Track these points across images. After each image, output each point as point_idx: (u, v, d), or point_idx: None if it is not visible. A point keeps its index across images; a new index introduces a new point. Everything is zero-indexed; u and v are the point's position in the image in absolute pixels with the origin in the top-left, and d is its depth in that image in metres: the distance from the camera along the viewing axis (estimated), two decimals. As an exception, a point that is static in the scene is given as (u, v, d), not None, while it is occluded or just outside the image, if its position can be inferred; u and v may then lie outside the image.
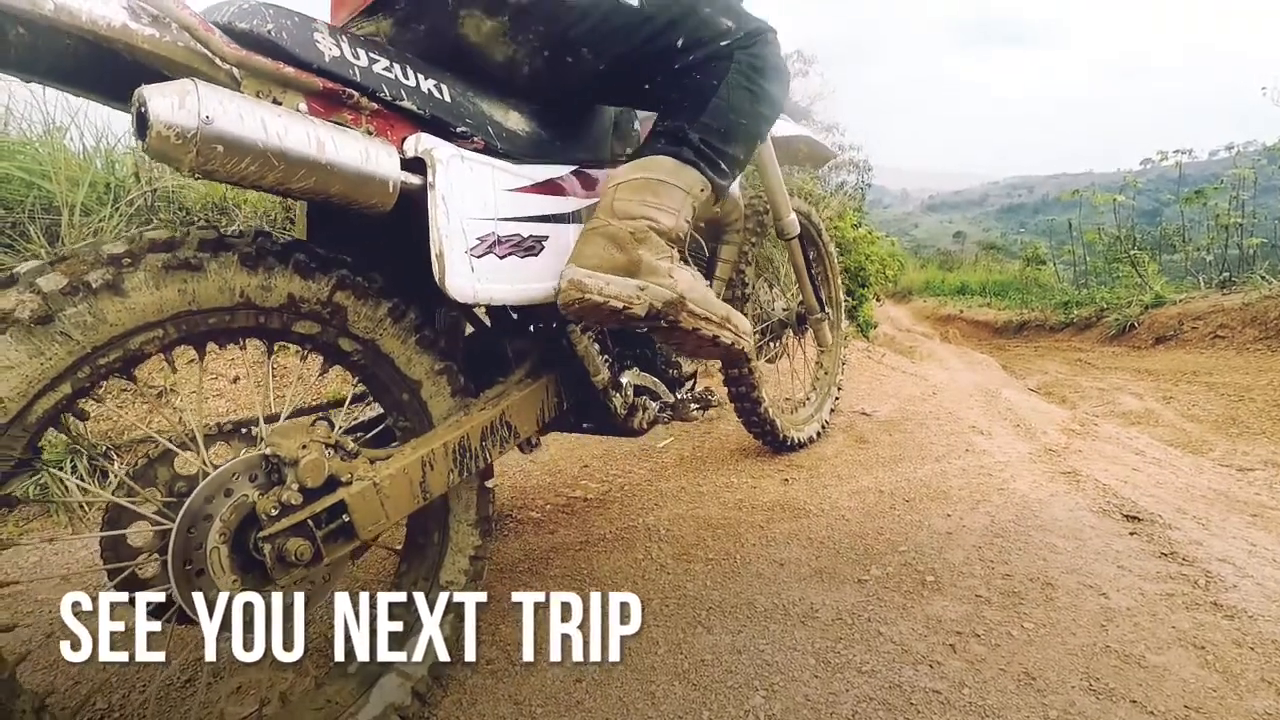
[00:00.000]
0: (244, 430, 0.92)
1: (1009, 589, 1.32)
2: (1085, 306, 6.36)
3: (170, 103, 0.65)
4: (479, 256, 0.91)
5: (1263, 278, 5.02)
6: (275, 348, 0.95)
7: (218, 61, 0.72)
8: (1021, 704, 1.03)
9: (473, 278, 0.89)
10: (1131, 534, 1.54)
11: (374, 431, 1.08)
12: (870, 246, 4.77)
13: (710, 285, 1.25)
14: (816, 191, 5.46)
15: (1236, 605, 1.24)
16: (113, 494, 0.84)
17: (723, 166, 1.09)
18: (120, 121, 2.92)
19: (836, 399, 2.32)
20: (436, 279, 0.86)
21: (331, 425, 0.99)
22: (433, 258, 0.86)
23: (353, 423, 1.15)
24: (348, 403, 1.06)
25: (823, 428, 2.19)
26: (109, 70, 0.72)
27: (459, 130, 0.94)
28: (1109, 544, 1.49)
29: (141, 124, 0.65)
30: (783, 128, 1.77)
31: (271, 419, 0.95)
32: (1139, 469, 2.06)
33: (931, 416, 2.49)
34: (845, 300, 2.54)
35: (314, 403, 1.17)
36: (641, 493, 1.78)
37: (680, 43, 1.07)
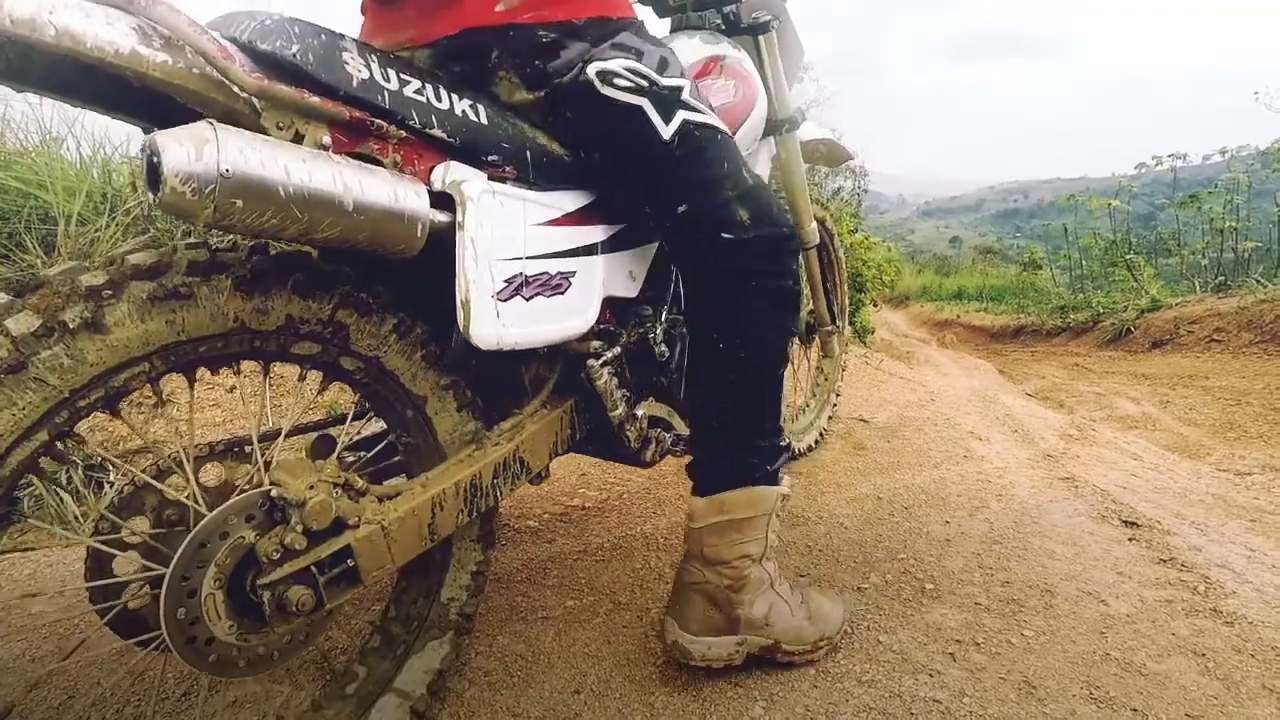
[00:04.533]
0: (237, 449, 0.88)
1: (1008, 596, 1.32)
2: (1081, 311, 6.38)
3: (186, 153, 0.60)
4: (505, 300, 0.86)
5: (1258, 281, 5.04)
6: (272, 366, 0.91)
7: (236, 89, 0.67)
8: (1022, 713, 1.02)
9: (498, 324, 0.85)
10: (1130, 540, 1.54)
11: (376, 449, 1.06)
12: (867, 252, 4.79)
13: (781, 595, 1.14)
14: (814, 197, 5.47)
15: (1236, 611, 1.24)
16: (93, 536, 0.79)
17: (783, 444, 1.10)
18: (118, 130, 2.93)
19: (835, 405, 2.31)
20: (460, 327, 0.82)
21: (334, 442, 0.97)
22: (458, 305, 0.82)
23: (354, 438, 1.12)
24: (350, 419, 1.02)
25: (821, 435, 2.19)
26: (114, 85, 0.67)
27: (490, 159, 0.89)
28: (1108, 550, 1.49)
29: (153, 176, 0.60)
30: (808, 130, 1.71)
31: (267, 436, 0.92)
32: (1137, 474, 2.06)
33: (929, 422, 2.50)
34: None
35: (313, 418, 1.14)
36: (640, 501, 1.77)
37: (683, 209, 0.97)
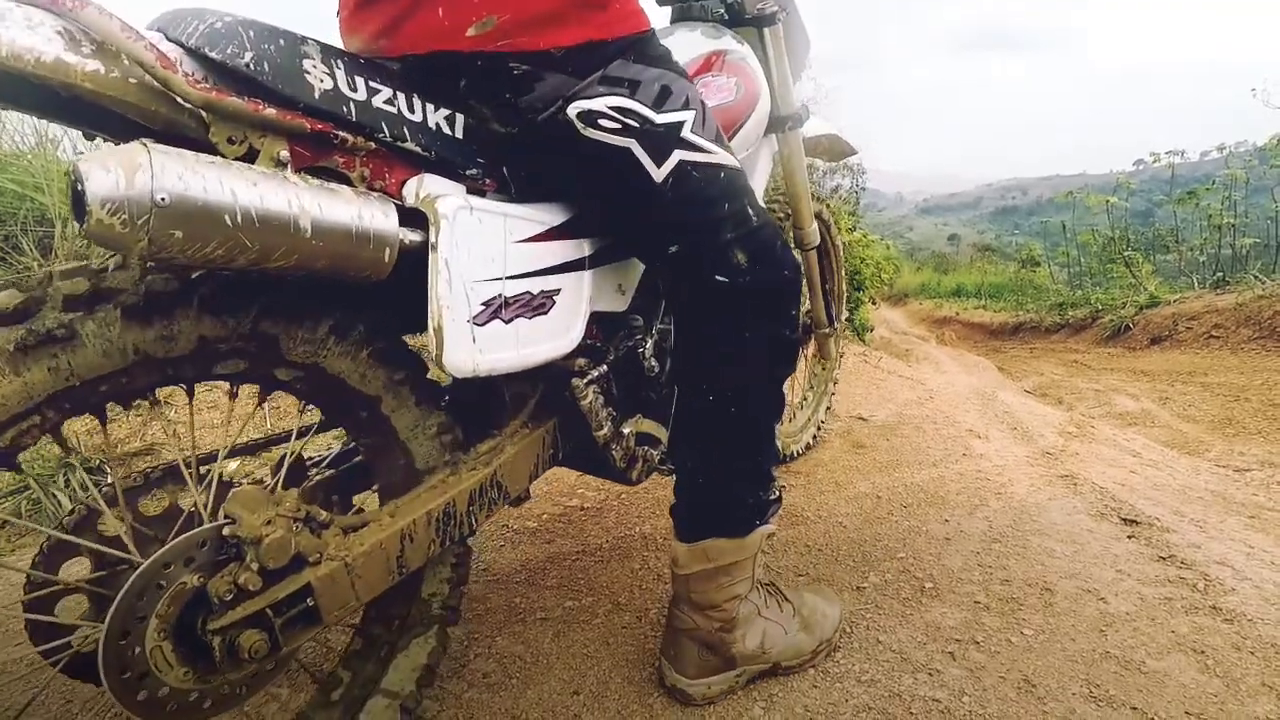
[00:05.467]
0: (176, 473, 0.81)
1: (1008, 595, 1.32)
2: (1080, 308, 6.37)
3: (115, 180, 0.53)
4: (482, 324, 0.80)
5: (1256, 277, 5.04)
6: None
7: (180, 100, 0.61)
8: (1022, 712, 1.02)
9: (474, 349, 0.79)
10: (1129, 537, 1.54)
11: (330, 457, 1.00)
12: (866, 250, 4.78)
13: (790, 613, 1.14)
14: (820, 195, 5.47)
15: (1235, 609, 1.24)
16: (27, 589, 0.75)
17: (773, 497, 1.06)
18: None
19: (833, 394, 2.27)
20: (433, 355, 0.77)
21: (300, 462, 0.91)
22: (430, 331, 0.76)
23: (323, 453, 1.05)
24: (295, 433, 0.91)
25: (819, 429, 2.17)
26: (52, 94, 0.59)
27: (469, 172, 0.83)
28: (1107, 548, 1.49)
29: (79, 204, 0.53)
30: (812, 126, 1.64)
31: (206, 459, 0.84)
32: (1136, 471, 2.06)
33: (928, 420, 2.49)
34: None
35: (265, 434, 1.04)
36: (638, 501, 1.77)
37: (674, 250, 0.91)
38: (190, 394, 0.78)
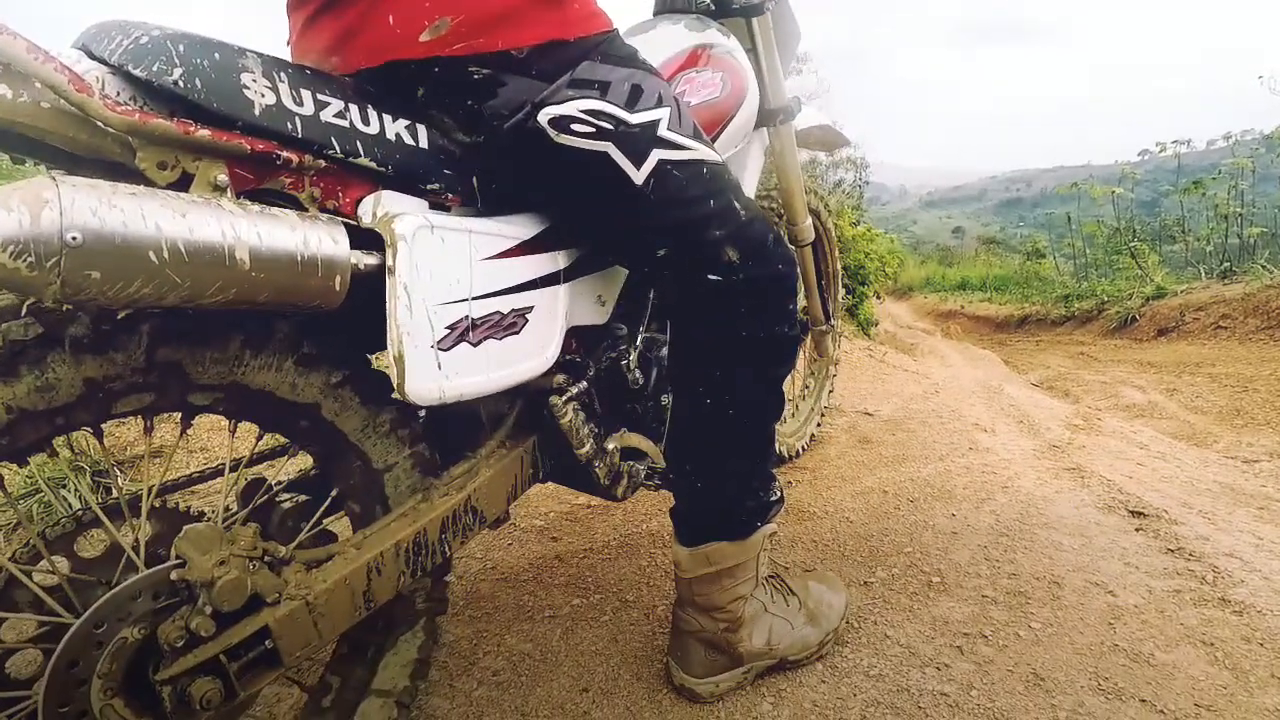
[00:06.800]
0: (120, 507, 0.76)
1: (1015, 588, 1.32)
2: (1086, 299, 6.35)
3: (17, 220, 0.48)
4: (447, 349, 0.76)
5: (1264, 267, 5.00)
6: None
7: (101, 125, 0.57)
8: (1030, 705, 1.02)
9: (439, 376, 0.75)
10: (1137, 530, 1.53)
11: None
12: (869, 244, 4.78)
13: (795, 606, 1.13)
14: (807, 187, 5.46)
15: (1244, 600, 1.24)
16: None
17: (774, 498, 1.05)
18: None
19: (834, 374, 2.24)
20: (395, 384, 0.73)
21: (242, 489, 0.85)
22: (390, 360, 0.71)
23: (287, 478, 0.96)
24: (229, 467, 0.83)
25: (821, 418, 2.16)
26: None
27: (431, 186, 0.79)
28: (1115, 540, 1.49)
29: None
30: (804, 117, 1.60)
31: (135, 499, 0.78)
32: (1144, 463, 2.06)
33: (934, 414, 2.49)
34: (846, 298, 2.44)
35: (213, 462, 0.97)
36: (644, 498, 1.77)
37: (662, 253, 0.89)
38: (99, 436, 0.71)
